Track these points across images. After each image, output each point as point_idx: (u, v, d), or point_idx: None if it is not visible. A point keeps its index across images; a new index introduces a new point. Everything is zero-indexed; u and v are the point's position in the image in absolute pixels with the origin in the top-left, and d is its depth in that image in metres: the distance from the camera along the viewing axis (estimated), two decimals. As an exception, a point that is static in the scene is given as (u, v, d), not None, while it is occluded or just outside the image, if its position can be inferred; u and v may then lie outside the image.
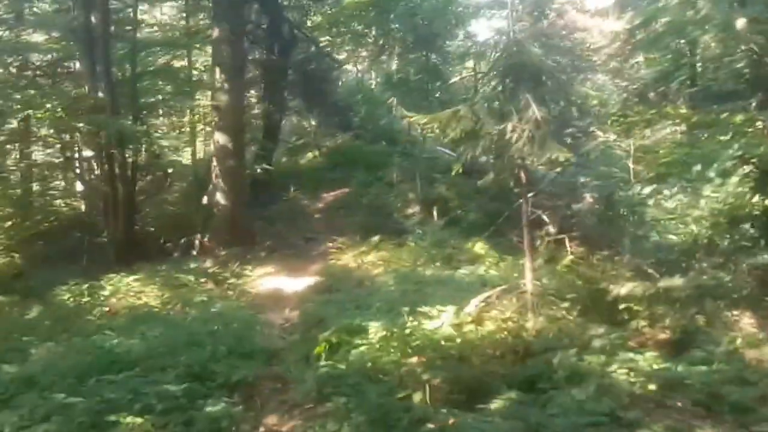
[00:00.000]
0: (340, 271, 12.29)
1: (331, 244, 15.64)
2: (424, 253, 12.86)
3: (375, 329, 6.82)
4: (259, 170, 18.83)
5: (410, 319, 6.93)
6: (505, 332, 6.64)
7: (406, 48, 23.03)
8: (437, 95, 23.60)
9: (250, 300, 11.33)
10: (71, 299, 11.15)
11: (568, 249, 8.36)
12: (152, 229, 17.52)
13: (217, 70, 15.10)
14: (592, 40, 24.19)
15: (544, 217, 8.04)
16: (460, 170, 8.04)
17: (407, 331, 6.68)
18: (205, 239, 15.37)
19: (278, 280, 12.86)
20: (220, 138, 15.09)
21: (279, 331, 9.20)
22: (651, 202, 8.29)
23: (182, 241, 15.93)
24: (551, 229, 8.99)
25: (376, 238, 13.90)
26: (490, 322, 6.78)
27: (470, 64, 26.80)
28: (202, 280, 12.41)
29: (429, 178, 20.25)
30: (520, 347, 6.49)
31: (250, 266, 13.48)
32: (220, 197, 15.05)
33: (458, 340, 6.48)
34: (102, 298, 11.16)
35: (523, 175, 7.36)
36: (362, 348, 6.56)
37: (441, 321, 6.80)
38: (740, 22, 8.95)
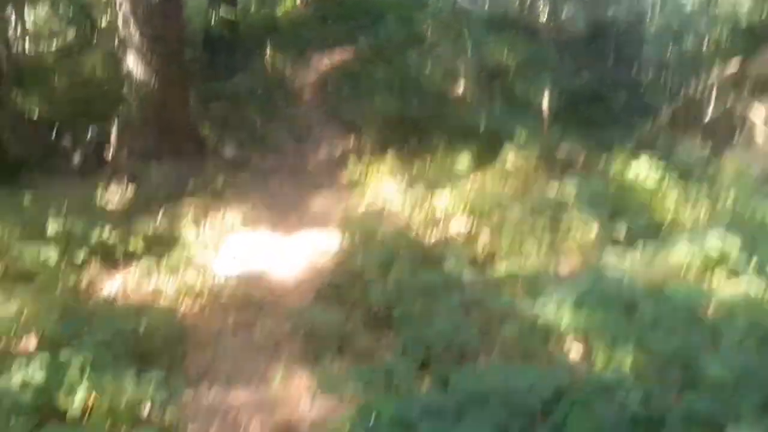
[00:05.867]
0: (392, 236, 5.41)
1: (341, 149, 8.96)
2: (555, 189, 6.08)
3: None
4: (214, 21, 11.64)
5: None
6: None
7: None
8: None
9: (182, 321, 4.62)
10: None
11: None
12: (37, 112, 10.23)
13: None
14: None
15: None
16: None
17: None
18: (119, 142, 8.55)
19: (255, 245, 6.13)
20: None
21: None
22: None
23: (89, 136, 9.00)
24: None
25: (464, 162, 6.82)
26: None
27: None
28: (78, 255, 5.55)
29: (475, 40, 13.24)
30: None
31: (193, 208, 6.62)
32: (135, 65, 7.89)
33: None
34: None
35: None
36: None
37: None
38: None
